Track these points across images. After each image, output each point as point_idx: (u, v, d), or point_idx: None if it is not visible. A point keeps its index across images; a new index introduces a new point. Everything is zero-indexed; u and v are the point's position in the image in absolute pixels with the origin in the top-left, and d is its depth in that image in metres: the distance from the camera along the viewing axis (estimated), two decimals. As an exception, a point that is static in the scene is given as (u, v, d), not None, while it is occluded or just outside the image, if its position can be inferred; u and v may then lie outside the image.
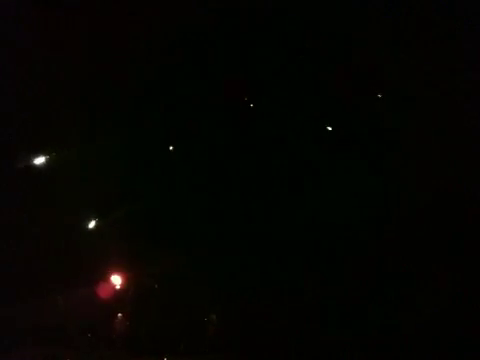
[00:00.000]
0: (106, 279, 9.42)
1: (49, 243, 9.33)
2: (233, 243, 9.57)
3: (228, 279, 9.36)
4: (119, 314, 9.36)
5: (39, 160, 9.86)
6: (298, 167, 9.91)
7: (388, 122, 9.78)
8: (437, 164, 9.31)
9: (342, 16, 9.84)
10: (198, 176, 9.92)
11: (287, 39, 10.02)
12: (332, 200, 9.62)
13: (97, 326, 9.32)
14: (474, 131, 9.31)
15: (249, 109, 10.32)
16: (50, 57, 9.81)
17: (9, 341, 8.27)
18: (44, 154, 9.90)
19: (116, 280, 9.42)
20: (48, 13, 9.63)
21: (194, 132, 10.16)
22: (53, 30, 9.71)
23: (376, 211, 9.56)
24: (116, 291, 9.41)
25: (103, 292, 9.20)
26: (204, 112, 10.09)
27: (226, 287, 9.34)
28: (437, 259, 9.09)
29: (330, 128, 10.04)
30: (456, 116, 9.40)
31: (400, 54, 9.66)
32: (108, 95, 10.04)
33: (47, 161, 9.87)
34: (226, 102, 10.17)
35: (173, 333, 9.35)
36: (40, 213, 9.48)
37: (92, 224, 9.69)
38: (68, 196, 9.42)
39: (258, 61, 10.08)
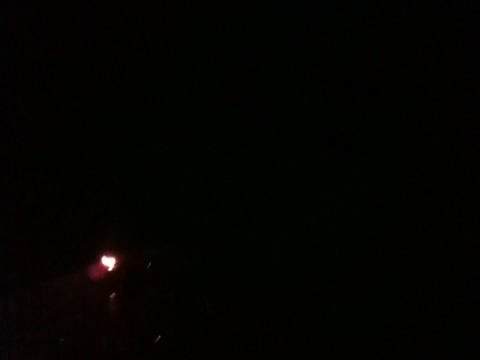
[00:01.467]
0: (97, 261, 9.22)
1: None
2: (232, 239, 9.57)
3: (225, 272, 9.32)
4: (112, 296, 9.03)
5: (39, 159, 9.89)
6: (298, 167, 9.91)
7: (388, 122, 9.79)
8: (437, 164, 9.33)
9: (342, 15, 9.89)
10: (197, 175, 9.93)
11: (287, 38, 10.08)
12: (332, 200, 9.62)
13: (91, 309, 9.10)
14: (474, 131, 9.33)
15: (249, 109, 10.33)
16: (49, 57, 9.90)
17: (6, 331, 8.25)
18: (44, 154, 9.93)
19: (108, 262, 9.11)
20: (47, 12, 9.71)
21: (194, 132, 10.18)
22: (52, 29, 9.79)
23: (376, 211, 9.56)
24: (108, 273, 9.14)
25: (94, 275, 9.00)
26: (204, 112, 10.13)
27: (223, 279, 9.29)
28: (437, 259, 9.09)
29: (330, 128, 10.05)
30: (456, 116, 9.43)
31: (400, 53, 9.69)
32: (108, 94, 10.10)
33: (47, 160, 9.90)
34: (226, 102, 10.20)
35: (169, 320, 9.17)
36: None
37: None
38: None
39: (258, 60, 10.13)
